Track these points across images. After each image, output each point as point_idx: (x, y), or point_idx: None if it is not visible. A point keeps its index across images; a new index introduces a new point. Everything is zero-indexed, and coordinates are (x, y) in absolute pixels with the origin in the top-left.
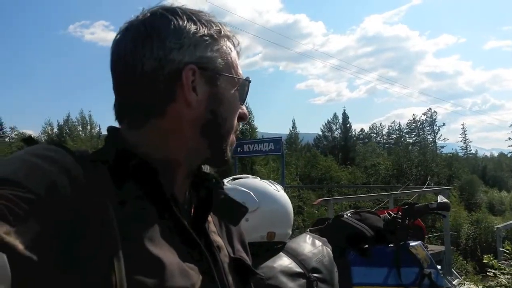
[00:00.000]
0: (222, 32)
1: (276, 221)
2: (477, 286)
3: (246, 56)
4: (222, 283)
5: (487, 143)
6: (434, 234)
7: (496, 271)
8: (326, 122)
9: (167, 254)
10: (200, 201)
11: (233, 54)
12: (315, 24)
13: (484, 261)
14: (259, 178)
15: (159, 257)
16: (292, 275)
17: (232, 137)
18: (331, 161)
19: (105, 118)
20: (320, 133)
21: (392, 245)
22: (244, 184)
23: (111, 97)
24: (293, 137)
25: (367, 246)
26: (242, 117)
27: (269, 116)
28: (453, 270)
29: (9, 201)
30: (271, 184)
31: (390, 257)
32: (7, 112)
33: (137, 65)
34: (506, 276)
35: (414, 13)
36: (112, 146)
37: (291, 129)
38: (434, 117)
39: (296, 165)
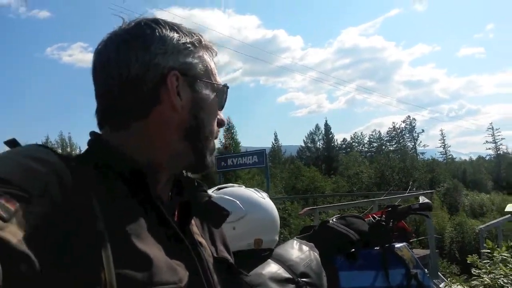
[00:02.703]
0: (202, 42)
1: (263, 228)
2: (462, 286)
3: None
4: (207, 281)
5: (465, 147)
6: (418, 239)
7: (480, 271)
8: (308, 133)
9: (154, 251)
10: (183, 204)
11: (212, 63)
12: (293, 39)
13: (468, 261)
14: (244, 187)
15: (146, 253)
16: (281, 281)
17: (213, 142)
18: (315, 172)
19: (85, 140)
20: (303, 144)
21: (378, 248)
22: (229, 193)
23: (90, 119)
24: (276, 149)
25: (353, 250)
26: (220, 123)
27: (252, 130)
28: (439, 273)
29: (1, 198)
30: (256, 192)
31: (377, 260)
32: None
33: (123, 71)
34: (489, 275)
35: (389, 24)
36: (97, 149)
37: (274, 142)
38: (413, 124)
39: (281, 178)
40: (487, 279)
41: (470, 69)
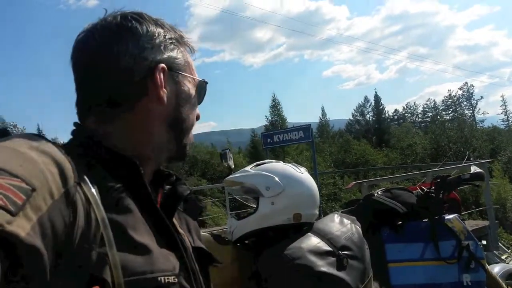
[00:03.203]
0: (184, 38)
1: (301, 203)
2: None
3: (270, 49)
4: (192, 269)
5: None
6: (477, 209)
7: None
8: (357, 106)
9: (149, 241)
10: (165, 196)
11: (191, 59)
12: (338, 9)
13: None
14: (282, 162)
15: (144, 243)
16: (321, 253)
17: (191, 134)
18: (365, 145)
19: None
20: (352, 118)
21: (426, 220)
22: (267, 169)
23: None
24: (324, 124)
25: (400, 222)
26: (197, 117)
27: (298, 106)
28: (500, 244)
29: (8, 191)
30: (294, 167)
31: (425, 232)
32: None
33: (112, 62)
34: None
35: None
36: (85, 140)
37: (321, 117)
38: (471, 91)
39: (330, 152)
40: None
41: None
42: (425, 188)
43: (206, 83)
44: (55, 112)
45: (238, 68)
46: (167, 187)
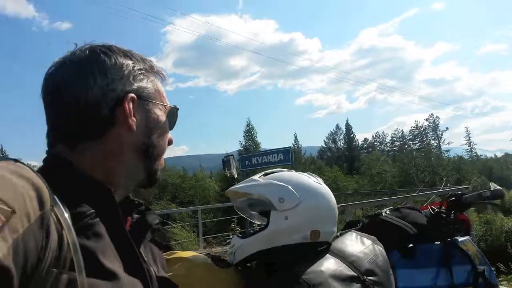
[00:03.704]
0: (154, 68)
1: (320, 218)
2: (511, 285)
3: (244, 76)
4: None
5: (491, 144)
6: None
7: None
8: (329, 133)
9: (117, 268)
10: (133, 224)
11: (162, 87)
12: (311, 41)
13: None
14: (294, 171)
15: (113, 269)
16: (345, 279)
17: (162, 159)
18: (337, 171)
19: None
20: (324, 145)
21: (438, 242)
22: (280, 178)
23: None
24: (296, 151)
25: (411, 245)
26: (169, 142)
27: (271, 133)
28: None
29: None
30: (310, 176)
31: (438, 256)
32: None
33: (81, 95)
34: None
35: (408, 23)
36: (59, 168)
37: (294, 143)
38: (437, 122)
39: None
40: None
41: (492, 66)
42: (435, 208)
43: (177, 109)
44: (17, 134)
45: (212, 94)
46: (136, 215)
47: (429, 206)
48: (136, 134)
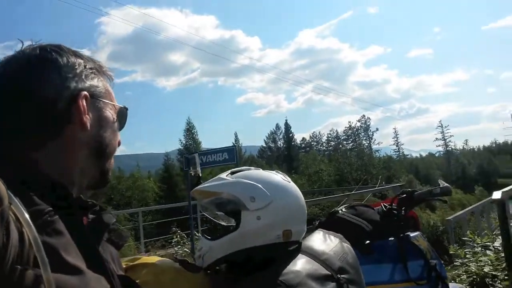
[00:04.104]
0: (103, 67)
1: (292, 217)
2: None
3: (184, 73)
4: None
5: (416, 144)
6: None
7: (463, 260)
8: (269, 133)
9: (80, 264)
10: (89, 224)
11: (110, 87)
12: (251, 39)
13: (450, 252)
14: (261, 169)
15: (76, 265)
16: (320, 278)
17: (112, 160)
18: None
19: None
20: (264, 144)
21: (392, 238)
22: (249, 177)
23: None
24: (237, 150)
25: (368, 242)
26: (118, 143)
27: (212, 131)
28: None
29: None
30: (278, 174)
31: (393, 252)
32: None
33: (34, 92)
34: (474, 263)
35: (344, 26)
36: (11, 165)
37: (234, 142)
38: (368, 123)
39: None
40: (473, 267)
41: (419, 70)
42: (387, 205)
43: (127, 109)
44: None
45: (151, 91)
46: (91, 216)
47: (381, 203)
48: (89, 132)
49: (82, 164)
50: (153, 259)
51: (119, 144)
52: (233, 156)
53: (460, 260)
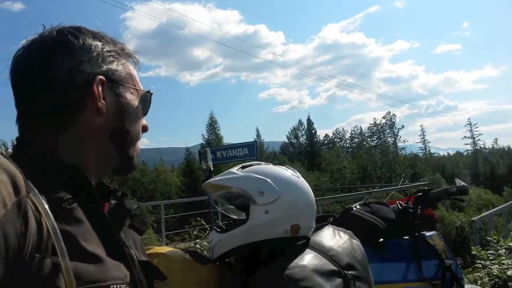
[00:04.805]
0: (125, 50)
1: (300, 212)
2: (468, 278)
3: (207, 68)
4: (140, 281)
5: (444, 143)
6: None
7: (485, 262)
8: (291, 129)
9: (100, 251)
10: (111, 210)
11: (134, 70)
12: (275, 34)
13: (473, 252)
14: (271, 164)
15: (95, 252)
16: (327, 274)
17: (138, 145)
18: (299, 167)
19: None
20: (286, 140)
21: (407, 237)
22: (259, 171)
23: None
24: (259, 145)
25: (381, 240)
26: (144, 128)
27: (234, 126)
28: None
29: None
30: (288, 169)
31: (407, 250)
32: None
33: (49, 76)
34: (496, 266)
35: (370, 21)
36: (30, 153)
37: (256, 137)
38: (393, 120)
39: None
40: (495, 270)
41: (447, 66)
42: (402, 203)
43: (151, 94)
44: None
45: (174, 85)
46: (113, 201)
47: (397, 201)
48: (106, 118)
49: (100, 151)
50: (165, 249)
51: (145, 130)
52: (253, 152)
53: (482, 262)
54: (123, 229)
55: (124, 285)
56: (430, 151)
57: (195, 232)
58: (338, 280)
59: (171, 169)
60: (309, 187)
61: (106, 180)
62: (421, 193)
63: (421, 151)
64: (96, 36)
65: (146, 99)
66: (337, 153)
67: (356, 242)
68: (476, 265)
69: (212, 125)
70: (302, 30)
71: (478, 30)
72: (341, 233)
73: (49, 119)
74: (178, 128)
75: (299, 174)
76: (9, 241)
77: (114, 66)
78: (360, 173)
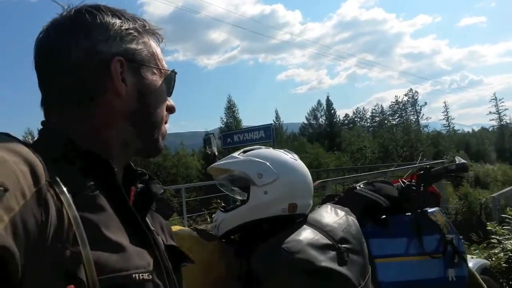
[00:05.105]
0: (147, 27)
1: (297, 192)
2: (482, 253)
3: (224, 51)
4: (165, 267)
5: (468, 119)
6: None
7: (500, 237)
8: (310, 110)
9: (122, 239)
10: (137, 194)
11: (158, 48)
12: (292, 13)
13: (488, 228)
14: (271, 148)
15: (117, 241)
16: (321, 247)
17: (164, 127)
18: (318, 148)
19: None
20: (305, 121)
21: (409, 213)
22: (259, 155)
23: None
24: (278, 127)
25: (384, 216)
26: (170, 109)
27: (252, 109)
28: None
29: None
30: (287, 153)
31: (409, 226)
32: None
33: (63, 58)
34: (511, 241)
35: None
36: (51, 138)
37: (275, 120)
38: (416, 97)
39: None
40: (509, 245)
41: (471, 39)
42: (406, 181)
43: (175, 73)
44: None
45: (192, 69)
46: (140, 185)
47: (400, 180)
48: (126, 100)
49: (123, 135)
50: (175, 228)
51: (172, 111)
52: (269, 134)
53: (497, 237)
54: (150, 213)
55: (146, 274)
56: (454, 128)
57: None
58: (332, 253)
59: (192, 153)
60: (307, 169)
61: (133, 163)
62: (422, 171)
63: (444, 128)
64: (115, 13)
65: (170, 79)
66: (358, 132)
67: (352, 218)
68: (491, 240)
69: (231, 109)
70: (320, 8)
71: (504, 1)
72: (338, 211)
73: (67, 103)
74: (198, 112)
75: (296, 157)
76: (29, 231)
77: (133, 45)
78: (381, 152)
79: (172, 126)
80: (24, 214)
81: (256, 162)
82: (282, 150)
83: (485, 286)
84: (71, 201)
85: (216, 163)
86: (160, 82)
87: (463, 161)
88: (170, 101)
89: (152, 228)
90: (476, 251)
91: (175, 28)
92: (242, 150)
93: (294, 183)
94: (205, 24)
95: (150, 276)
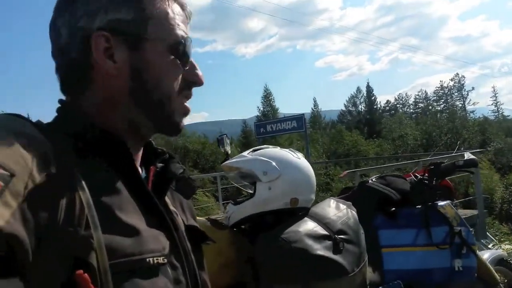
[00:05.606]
0: None
1: (298, 188)
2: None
3: (262, 39)
4: (183, 248)
5: None
6: (465, 199)
7: None
8: (349, 97)
9: (137, 221)
10: (157, 174)
11: (169, 14)
12: None
13: None
14: (279, 148)
15: (131, 223)
16: (318, 237)
17: (178, 102)
18: (357, 136)
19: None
20: (344, 108)
21: (419, 206)
22: (264, 154)
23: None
24: (316, 115)
25: (394, 209)
26: (192, 81)
27: (290, 97)
28: (487, 233)
29: None
30: (291, 152)
31: (418, 218)
32: None
33: (56, 38)
34: None
35: None
36: (66, 117)
37: (313, 107)
38: (462, 82)
39: (322, 142)
40: None
41: None
42: (418, 175)
43: (185, 39)
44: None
45: (231, 59)
46: (160, 165)
47: (411, 174)
48: (120, 78)
49: (128, 114)
50: None
51: (196, 83)
52: (301, 124)
53: None
54: (171, 192)
55: (161, 258)
56: (503, 113)
57: None
58: (328, 242)
59: (230, 141)
60: (309, 166)
61: (153, 142)
62: (433, 167)
63: (493, 114)
64: None
65: (177, 48)
66: (400, 119)
67: (351, 211)
68: None
69: (267, 97)
70: None
71: None
72: (340, 204)
73: (69, 83)
74: (235, 100)
75: (300, 156)
76: (39, 216)
77: (122, 15)
78: (424, 139)
79: (210, 114)
80: (33, 198)
81: (262, 161)
82: (287, 150)
83: (497, 276)
84: (83, 183)
85: (227, 161)
86: (165, 52)
87: (472, 157)
88: (196, 70)
89: (172, 208)
90: (506, 242)
91: (214, 18)
92: (251, 149)
93: (296, 180)
94: (243, 12)
95: (165, 259)
